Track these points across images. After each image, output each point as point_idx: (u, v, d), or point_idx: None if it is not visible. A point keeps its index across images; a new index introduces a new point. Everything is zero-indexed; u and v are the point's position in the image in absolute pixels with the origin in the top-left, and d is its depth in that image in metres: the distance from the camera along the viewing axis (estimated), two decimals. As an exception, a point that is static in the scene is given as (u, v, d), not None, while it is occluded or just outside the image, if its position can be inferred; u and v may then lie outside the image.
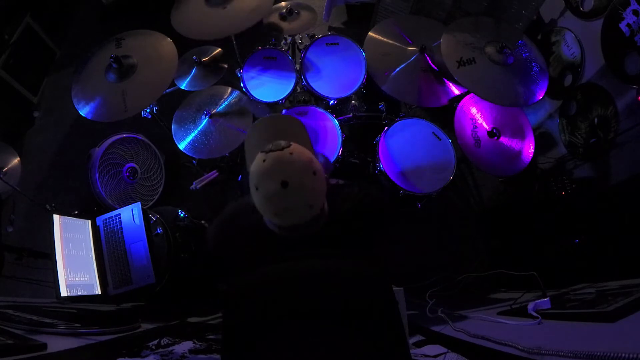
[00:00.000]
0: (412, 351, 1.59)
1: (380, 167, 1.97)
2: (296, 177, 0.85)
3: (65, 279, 1.59)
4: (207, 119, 2.09)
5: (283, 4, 2.39)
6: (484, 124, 2.08)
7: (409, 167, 1.96)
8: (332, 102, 2.12)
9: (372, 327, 0.87)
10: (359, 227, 1.04)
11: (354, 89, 2.10)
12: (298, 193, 0.86)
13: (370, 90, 2.22)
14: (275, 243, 0.99)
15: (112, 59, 1.81)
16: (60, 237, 1.68)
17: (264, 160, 0.87)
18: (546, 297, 1.50)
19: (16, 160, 2.36)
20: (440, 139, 2.01)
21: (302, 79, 2.13)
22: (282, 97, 2.11)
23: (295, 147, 0.90)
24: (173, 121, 2.13)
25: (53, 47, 3.24)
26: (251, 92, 2.11)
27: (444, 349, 1.49)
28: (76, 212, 1.86)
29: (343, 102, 2.18)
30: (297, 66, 2.17)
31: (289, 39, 2.37)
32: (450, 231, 2.53)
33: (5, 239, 2.56)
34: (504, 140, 2.06)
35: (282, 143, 0.90)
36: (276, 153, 0.88)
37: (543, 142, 2.41)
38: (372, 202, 1.10)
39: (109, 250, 1.81)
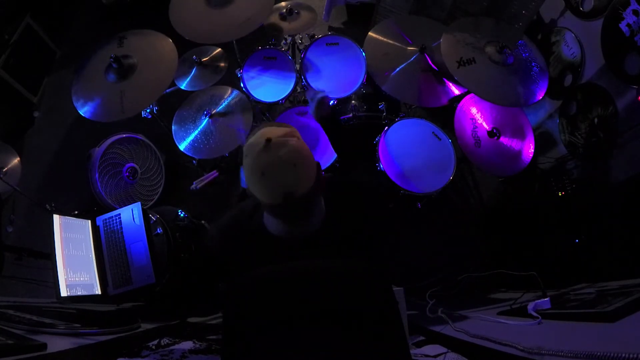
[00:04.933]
0: (412, 351, 1.59)
1: (380, 167, 1.97)
2: (279, 136, 0.90)
3: (65, 279, 1.58)
4: (207, 119, 2.09)
5: (283, 4, 2.39)
6: (484, 124, 2.08)
7: (409, 167, 1.96)
8: (332, 102, 2.12)
9: (372, 327, 0.87)
10: (357, 221, 1.04)
11: (354, 89, 2.10)
12: (281, 147, 0.88)
13: (370, 90, 2.22)
14: (275, 244, 0.99)
15: (112, 59, 1.81)
16: (60, 237, 1.67)
17: (254, 135, 0.94)
18: (546, 297, 1.50)
19: (16, 160, 2.37)
20: (440, 139, 2.01)
21: (302, 79, 2.13)
22: (282, 97, 2.11)
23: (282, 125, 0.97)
24: (173, 121, 2.13)
25: (53, 47, 3.24)
26: (251, 92, 2.11)
27: (444, 349, 1.49)
28: (76, 212, 1.86)
29: (343, 102, 2.18)
30: (297, 66, 2.17)
31: (289, 39, 2.37)
32: (450, 231, 2.53)
33: (5, 239, 2.56)
34: (504, 140, 2.06)
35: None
36: (264, 124, 0.96)
37: (543, 142, 2.41)
38: (366, 192, 1.12)
39: (109, 250, 1.81)
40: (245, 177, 0.93)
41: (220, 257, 1.15)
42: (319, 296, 0.89)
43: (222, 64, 2.28)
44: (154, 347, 1.53)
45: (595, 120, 2.04)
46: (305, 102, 2.28)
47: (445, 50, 1.88)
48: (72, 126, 2.98)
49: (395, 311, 0.93)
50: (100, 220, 1.89)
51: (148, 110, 2.05)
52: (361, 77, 2.10)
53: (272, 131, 0.92)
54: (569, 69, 2.23)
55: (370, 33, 2.12)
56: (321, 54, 2.19)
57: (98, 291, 1.70)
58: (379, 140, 2.01)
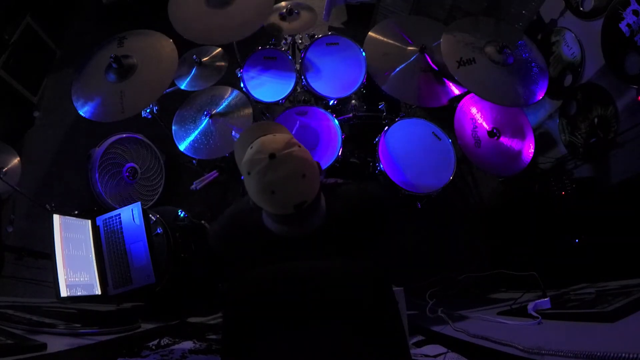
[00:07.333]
0: (412, 351, 1.59)
1: (380, 167, 1.97)
2: (282, 148, 0.88)
3: (65, 279, 1.58)
4: (207, 119, 2.08)
5: (283, 4, 2.39)
6: (484, 124, 2.08)
7: (409, 167, 1.96)
8: (332, 102, 2.12)
9: (372, 327, 0.87)
10: (358, 226, 1.04)
11: (354, 89, 2.10)
12: (287, 161, 0.87)
13: (370, 90, 2.22)
14: (275, 243, 0.99)
15: (111, 59, 1.81)
16: (60, 237, 1.67)
17: (251, 147, 0.92)
18: (546, 297, 1.50)
19: (16, 160, 2.36)
20: (440, 139, 2.01)
21: (302, 79, 2.13)
22: (282, 97, 2.11)
23: (277, 133, 0.95)
24: (174, 121, 2.12)
25: (53, 47, 3.24)
26: (251, 92, 2.11)
27: (444, 349, 1.49)
28: (76, 212, 1.85)
29: (343, 102, 2.18)
30: (297, 66, 2.17)
31: (289, 39, 2.37)
32: (450, 231, 2.53)
33: (5, 239, 2.56)
34: (504, 140, 2.06)
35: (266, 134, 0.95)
36: (260, 138, 0.93)
37: (543, 142, 2.41)
38: (370, 200, 1.11)
39: (109, 250, 1.80)
40: (251, 194, 0.92)
41: (221, 252, 1.15)
42: (318, 296, 0.89)
43: (222, 64, 2.28)
44: (154, 347, 1.53)
45: (595, 120, 2.04)
46: (305, 102, 2.28)
47: (445, 50, 1.88)
48: (72, 126, 2.98)
49: (395, 311, 0.93)
50: (100, 220, 1.89)
51: (148, 110, 2.05)
52: (361, 77, 2.10)
53: (271, 144, 0.89)
54: (569, 69, 2.23)
55: (370, 33, 2.12)
56: (321, 54, 2.19)
57: (98, 291, 1.70)
58: (379, 140, 2.01)
